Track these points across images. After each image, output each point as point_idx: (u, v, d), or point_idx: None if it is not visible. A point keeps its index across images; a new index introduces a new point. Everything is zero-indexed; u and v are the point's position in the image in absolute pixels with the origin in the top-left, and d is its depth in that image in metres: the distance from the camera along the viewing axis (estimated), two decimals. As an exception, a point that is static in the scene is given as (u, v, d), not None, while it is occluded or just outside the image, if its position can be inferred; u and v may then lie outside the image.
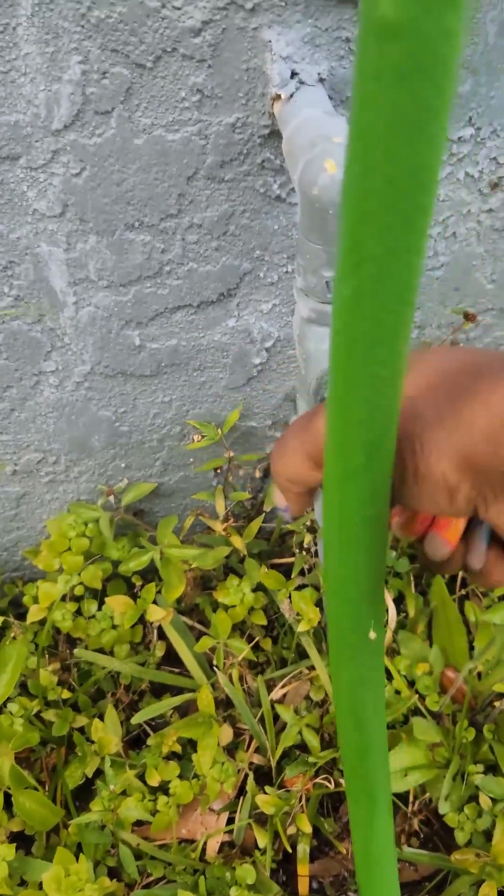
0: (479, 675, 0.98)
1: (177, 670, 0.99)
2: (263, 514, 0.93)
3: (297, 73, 0.62)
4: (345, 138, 0.53)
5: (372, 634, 0.37)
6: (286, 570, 0.97)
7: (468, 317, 0.75)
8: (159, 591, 0.91)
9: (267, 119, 0.65)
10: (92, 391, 0.82)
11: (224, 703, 0.95)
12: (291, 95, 0.61)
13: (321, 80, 0.64)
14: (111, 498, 0.93)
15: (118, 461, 0.91)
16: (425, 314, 0.83)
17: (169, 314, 0.77)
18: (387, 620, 0.97)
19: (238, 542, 0.84)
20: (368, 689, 0.40)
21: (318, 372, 0.62)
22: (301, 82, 0.62)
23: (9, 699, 0.86)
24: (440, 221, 0.75)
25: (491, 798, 0.86)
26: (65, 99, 0.62)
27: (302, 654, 0.94)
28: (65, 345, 0.77)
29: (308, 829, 0.84)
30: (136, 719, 0.87)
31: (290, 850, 0.85)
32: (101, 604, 0.97)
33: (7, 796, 0.81)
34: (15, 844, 0.79)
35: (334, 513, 0.32)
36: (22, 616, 0.98)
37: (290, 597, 0.88)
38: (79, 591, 0.95)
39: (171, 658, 0.98)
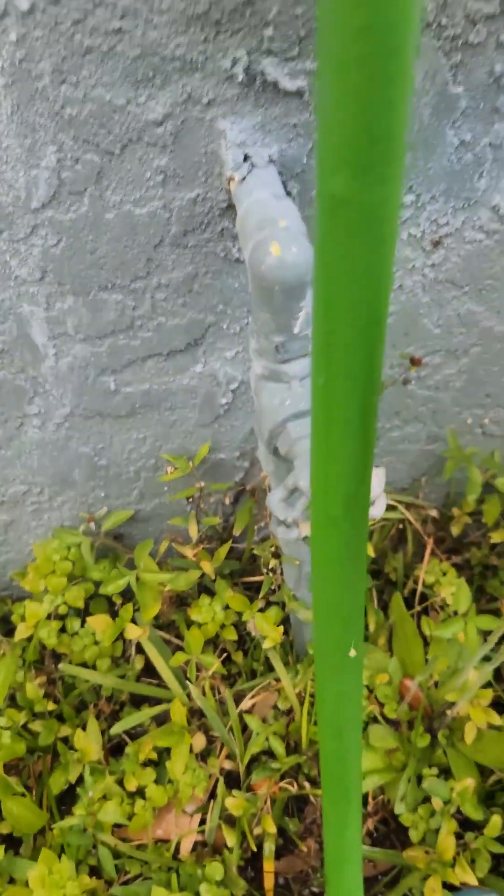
0: (436, 683, 1.06)
1: (154, 682, 1.06)
2: (232, 538, 1.00)
3: (249, 157, 0.70)
4: (289, 222, 0.61)
5: (352, 652, 0.45)
6: (257, 587, 1.05)
7: (413, 361, 0.83)
8: (137, 610, 0.99)
9: (224, 195, 0.73)
10: (72, 430, 0.89)
11: (199, 713, 1.02)
12: (244, 178, 0.69)
13: (272, 161, 0.71)
14: (92, 524, 1.00)
15: (98, 491, 0.98)
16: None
17: (141, 362, 0.84)
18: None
19: (207, 567, 0.92)
20: (349, 703, 0.48)
21: (271, 424, 0.69)
22: (253, 165, 0.70)
23: (-2, 712, 0.93)
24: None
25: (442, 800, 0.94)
26: (42, 182, 0.69)
27: (270, 667, 1.02)
28: (46, 391, 0.85)
29: (273, 829, 0.91)
30: (116, 730, 0.95)
31: (255, 850, 0.92)
32: (83, 621, 1.04)
33: (-4, 802, 0.88)
34: (4, 846, 0.87)
35: (320, 554, 0.39)
36: (11, 632, 1.06)
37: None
38: (63, 609, 1.02)
39: (150, 670, 1.05)
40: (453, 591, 1.07)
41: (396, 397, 0.95)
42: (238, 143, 0.68)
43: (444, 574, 1.09)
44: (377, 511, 0.63)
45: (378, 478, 0.64)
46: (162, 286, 0.78)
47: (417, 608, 1.10)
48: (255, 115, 0.69)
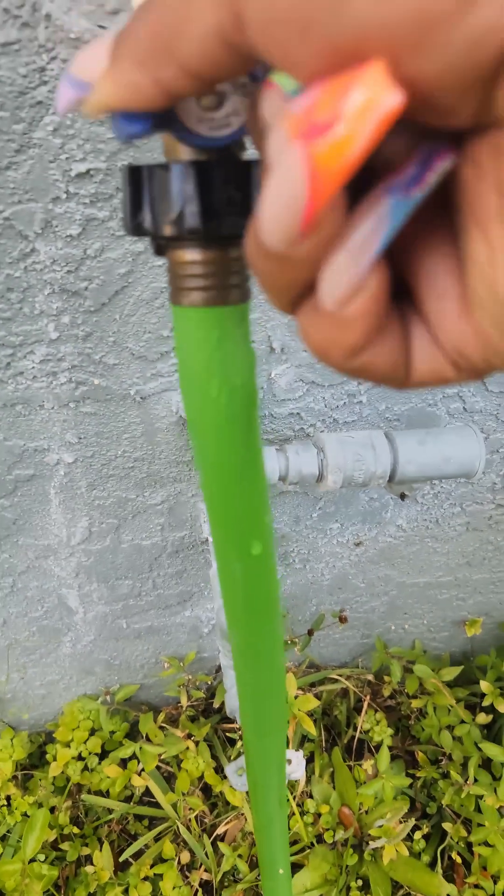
0: (367, 811, 1.40)
1: (154, 800, 1.41)
2: (214, 709, 1.34)
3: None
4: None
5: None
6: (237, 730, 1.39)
7: (341, 619, 1.15)
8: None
9: (203, 536, 1.04)
10: (94, 647, 1.23)
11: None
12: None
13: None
14: (108, 696, 1.34)
15: (112, 676, 1.32)
16: (320, 600, 1.23)
17: (144, 612, 1.17)
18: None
19: (191, 744, 1.26)
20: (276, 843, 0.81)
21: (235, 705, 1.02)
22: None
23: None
24: (325, 562, 1.15)
25: (361, 910, 1.28)
26: (78, 534, 1.01)
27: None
28: (77, 629, 1.18)
29: (236, 931, 1.27)
30: (125, 855, 1.30)
31: None
32: (101, 757, 1.39)
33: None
34: (43, 942, 1.22)
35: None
36: (42, 756, 1.41)
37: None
38: (85, 753, 1.37)
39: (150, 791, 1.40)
40: (382, 739, 1.40)
41: (333, 620, 1.28)
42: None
43: (378, 723, 1.43)
44: (297, 775, 0.96)
45: (297, 759, 0.96)
46: (161, 575, 1.11)
47: (349, 762, 1.44)
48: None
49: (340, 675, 1.41)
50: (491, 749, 1.32)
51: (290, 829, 1.36)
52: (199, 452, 0.36)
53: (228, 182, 0.27)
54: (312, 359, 0.85)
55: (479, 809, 1.35)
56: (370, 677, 1.45)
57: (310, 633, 1.21)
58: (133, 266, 0.72)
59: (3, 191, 0.65)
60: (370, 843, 1.34)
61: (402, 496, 0.89)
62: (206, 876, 1.34)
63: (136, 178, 0.28)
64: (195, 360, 0.32)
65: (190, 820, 1.33)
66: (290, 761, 0.98)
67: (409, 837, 1.38)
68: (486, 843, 1.30)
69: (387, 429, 0.90)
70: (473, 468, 0.84)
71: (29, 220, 0.67)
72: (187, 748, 1.31)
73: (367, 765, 1.40)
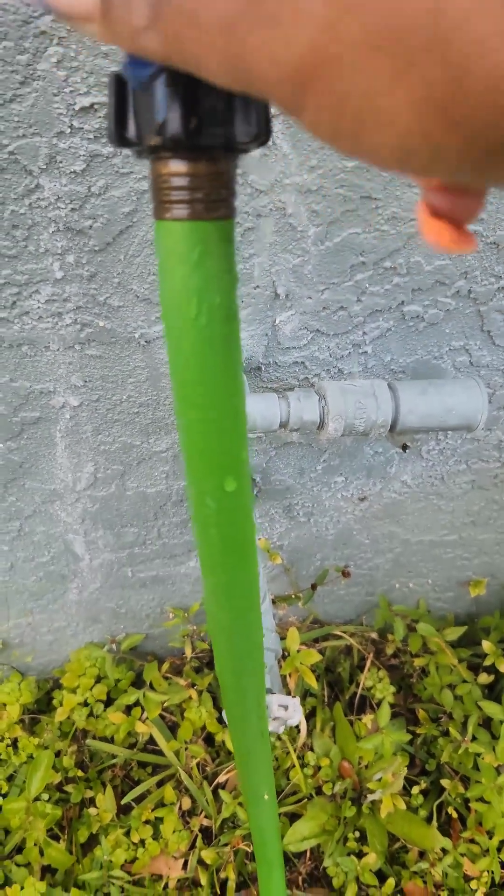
0: (367, 766, 1.42)
1: (157, 748, 1.44)
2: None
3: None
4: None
5: (266, 797, 0.79)
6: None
7: (344, 573, 1.16)
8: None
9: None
10: (100, 595, 1.25)
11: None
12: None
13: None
14: (113, 645, 1.36)
15: (118, 624, 1.34)
16: (324, 555, 1.24)
17: (150, 561, 1.19)
18: (299, 727, 1.41)
19: (193, 693, 1.28)
20: (267, 820, 0.83)
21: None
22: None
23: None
24: (329, 516, 1.15)
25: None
26: (83, 479, 1.02)
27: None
28: (83, 577, 1.19)
29: (233, 875, 1.30)
30: (127, 798, 1.33)
31: (219, 889, 1.31)
32: (106, 705, 1.42)
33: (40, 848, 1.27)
34: (48, 877, 1.26)
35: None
36: (49, 702, 1.44)
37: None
38: (90, 700, 1.39)
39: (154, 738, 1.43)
40: (384, 696, 1.42)
41: (337, 575, 1.29)
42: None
43: (380, 680, 1.45)
44: (294, 720, 0.97)
45: (294, 706, 0.98)
46: (166, 524, 1.12)
47: (350, 717, 1.46)
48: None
49: (344, 632, 1.42)
50: (491, 708, 1.33)
51: (289, 779, 1.39)
52: (176, 376, 0.36)
53: (214, 91, 0.26)
54: (318, 306, 0.85)
55: (476, 767, 1.37)
56: (374, 635, 1.46)
57: (313, 587, 1.22)
58: (137, 205, 0.72)
59: (7, 124, 0.65)
60: (368, 795, 1.36)
61: (405, 447, 0.89)
62: (206, 822, 1.37)
63: (122, 87, 0.28)
64: (175, 277, 0.32)
65: (191, 767, 1.36)
66: (286, 707, 0.99)
67: (407, 793, 1.40)
68: (483, 800, 1.32)
69: (390, 380, 0.90)
70: (476, 420, 0.84)
71: (33, 154, 0.67)
72: (190, 697, 1.33)
73: (368, 719, 1.42)
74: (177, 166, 0.30)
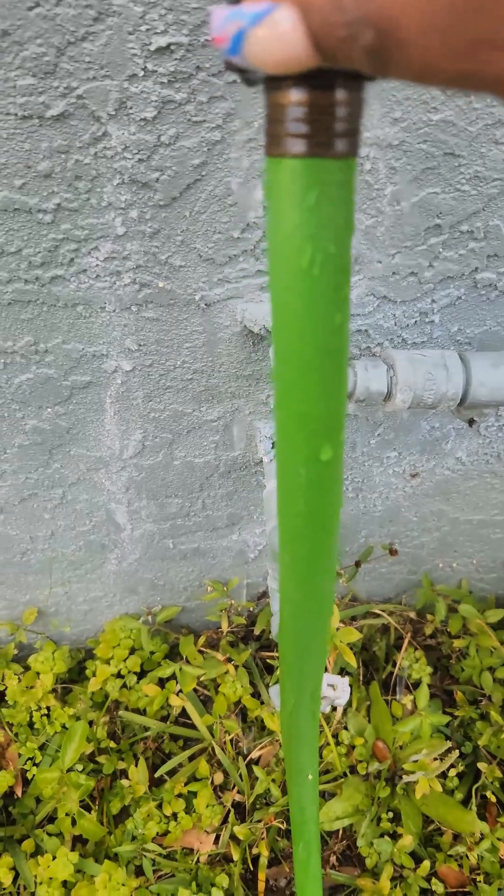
0: (401, 746, 1.40)
1: (190, 722, 1.42)
2: (254, 643, 1.33)
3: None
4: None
5: (309, 776, 0.77)
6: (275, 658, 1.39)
7: (392, 552, 1.13)
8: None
9: (258, 457, 1.02)
10: (139, 566, 1.22)
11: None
12: (272, 460, 0.98)
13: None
14: (149, 617, 1.34)
15: (155, 596, 1.32)
16: (370, 532, 1.21)
17: (192, 533, 1.16)
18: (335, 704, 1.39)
19: (231, 668, 1.26)
20: (309, 800, 0.81)
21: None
22: (279, 444, 0.99)
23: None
24: (378, 492, 1.12)
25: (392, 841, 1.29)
26: (131, 447, 0.99)
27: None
28: (123, 547, 1.17)
29: (266, 851, 1.28)
30: (161, 771, 1.31)
31: (252, 864, 1.30)
32: (140, 677, 1.40)
33: (73, 819, 1.26)
34: (79, 847, 1.25)
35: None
36: (82, 671, 1.42)
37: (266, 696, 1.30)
38: (124, 671, 1.38)
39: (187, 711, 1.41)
40: (420, 677, 1.39)
41: (382, 553, 1.26)
42: (268, 436, 0.97)
43: (417, 661, 1.42)
44: (342, 700, 0.95)
45: (342, 685, 0.95)
46: (211, 496, 1.09)
47: (386, 697, 1.43)
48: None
49: (383, 611, 1.39)
50: (533, 692, 1.30)
51: (321, 758, 1.37)
52: (279, 332, 0.32)
53: None
54: (387, 271, 0.81)
55: (515, 752, 1.34)
56: (412, 614, 1.43)
57: (357, 564, 1.19)
58: (208, 157, 0.68)
59: (77, 65, 0.61)
60: (403, 776, 1.34)
61: (471, 422, 0.85)
62: (238, 798, 1.36)
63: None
64: (287, 223, 0.29)
65: (225, 742, 1.34)
66: (334, 686, 0.97)
67: (443, 774, 1.38)
68: (522, 785, 1.29)
69: (460, 351, 0.86)
70: (550, 395, 0.80)
71: (103, 99, 0.63)
72: (226, 672, 1.31)
73: (406, 700, 1.39)
74: (297, 94, 0.26)
